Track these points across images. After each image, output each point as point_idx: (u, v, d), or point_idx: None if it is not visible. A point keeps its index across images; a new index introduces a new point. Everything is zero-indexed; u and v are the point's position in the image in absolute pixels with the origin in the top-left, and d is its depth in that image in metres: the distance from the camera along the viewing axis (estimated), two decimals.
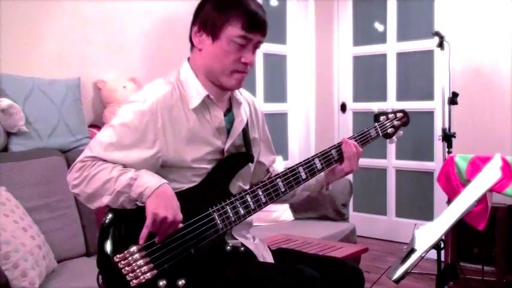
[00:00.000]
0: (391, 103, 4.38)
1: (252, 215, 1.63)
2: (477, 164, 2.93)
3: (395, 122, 1.92)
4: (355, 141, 1.79)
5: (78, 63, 2.98)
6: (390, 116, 1.92)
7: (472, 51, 3.80)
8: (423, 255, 1.57)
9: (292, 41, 4.53)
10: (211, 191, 1.60)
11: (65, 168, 2.49)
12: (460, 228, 3.14)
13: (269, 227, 3.18)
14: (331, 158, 1.75)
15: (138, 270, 1.46)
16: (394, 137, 1.92)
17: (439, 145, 3.60)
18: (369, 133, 1.85)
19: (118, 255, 1.47)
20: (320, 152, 1.74)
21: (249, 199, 1.62)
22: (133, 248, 1.47)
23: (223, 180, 1.63)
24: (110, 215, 1.52)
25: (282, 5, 4.50)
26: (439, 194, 3.77)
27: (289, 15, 4.52)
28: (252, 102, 1.81)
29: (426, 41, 4.04)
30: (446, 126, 3.25)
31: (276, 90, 4.52)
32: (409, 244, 1.60)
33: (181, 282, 1.50)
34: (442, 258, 2.98)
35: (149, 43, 3.33)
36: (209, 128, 1.61)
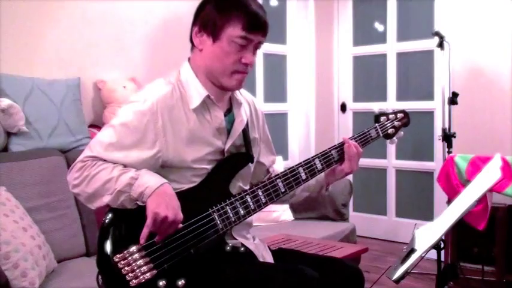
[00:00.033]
0: (391, 103, 4.38)
1: (251, 215, 1.63)
2: (477, 164, 2.93)
3: (396, 123, 1.92)
4: (356, 141, 1.79)
5: (78, 63, 2.98)
6: (391, 116, 1.92)
7: (472, 51, 3.80)
8: (423, 255, 1.57)
9: (292, 41, 4.53)
10: (211, 191, 1.60)
11: (65, 168, 2.49)
12: (460, 228, 3.14)
13: (269, 227, 3.18)
14: (331, 158, 1.75)
15: (137, 270, 1.46)
16: (394, 138, 1.92)
17: (439, 145, 3.60)
18: (370, 134, 1.85)
19: (118, 255, 1.47)
20: (320, 153, 1.74)
21: (249, 199, 1.62)
22: (133, 248, 1.47)
23: (223, 181, 1.63)
24: (110, 215, 1.52)
25: (282, 5, 4.50)
26: (439, 194, 3.77)
27: (289, 15, 4.52)
28: (252, 103, 1.81)
29: (426, 41, 4.04)
30: (446, 126, 3.26)
31: (276, 90, 4.52)
32: (409, 244, 1.60)
33: (180, 282, 1.50)
34: (442, 258, 2.98)
35: (149, 43, 3.33)
36: (209, 128, 1.62)
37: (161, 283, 1.48)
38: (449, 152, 3.21)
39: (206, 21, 1.57)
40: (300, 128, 4.59)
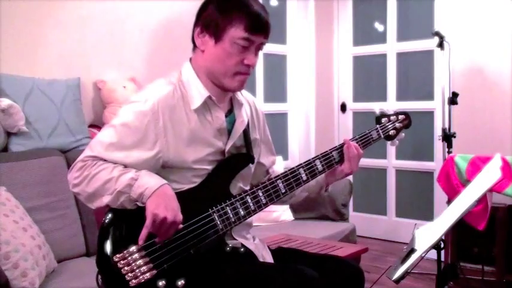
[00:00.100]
0: (391, 103, 4.38)
1: (252, 216, 1.63)
2: (477, 164, 2.93)
3: (397, 124, 1.91)
4: (357, 142, 1.79)
5: (78, 63, 2.98)
6: (392, 117, 1.92)
7: (472, 51, 3.80)
8: (423, 255, 1.57)
9: (292, 41, 4.53)
10: (211, 191, 1.60)
11: (65, 168, 2.49)
12: (460, 228, 3.14)
13: (269, 227, 3.18)
14: (332, 159, 1.74)
15: (137, 270, 1.46)
16: (395, 139, 1.92)
17: (439, 145, 3.60)
18: (371, 135, 1.85)
19: (117, 255, 1.47)
20: (321, 154, 1.74)
21: (249, 200, 1.61)
22: (133, 248, 1.47)
23: (224, 181, 1.63)
24: (110, 215, 1.52)
25: (282, 5, 4.50)
26: (439, 194, 3.77)
27: (289, 15, 4.51)
28: (252, 103, 1.81)
29: (426, 41, 4.04)
30: (446, 126, 3.26)
31: (276, 90, 4.52)
32: (409, 244, 1.60)
33: (180, 282, 1.50)
34: (442, 258, 2.97)
35: (149, 43, 3.33)
36: (210, 129, 1.61)
37: (161, 283, 1.48)
38: (449, 152, 3.21)
39: (208, 22, 1.57)
40: (300, 128, 4.59)
